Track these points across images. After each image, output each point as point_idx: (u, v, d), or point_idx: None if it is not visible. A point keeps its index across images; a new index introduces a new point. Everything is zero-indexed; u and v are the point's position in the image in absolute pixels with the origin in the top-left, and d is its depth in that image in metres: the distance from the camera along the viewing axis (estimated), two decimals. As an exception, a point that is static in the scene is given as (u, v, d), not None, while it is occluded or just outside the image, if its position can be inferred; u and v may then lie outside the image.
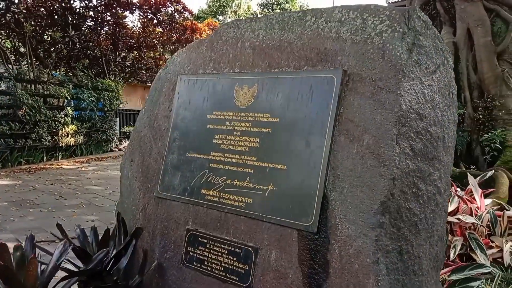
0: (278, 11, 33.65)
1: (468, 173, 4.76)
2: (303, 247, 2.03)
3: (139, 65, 19.24)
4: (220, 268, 2.31)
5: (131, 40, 17.80)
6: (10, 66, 12.94)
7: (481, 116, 6.50)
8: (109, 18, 16.43)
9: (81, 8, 15.16)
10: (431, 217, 2.11)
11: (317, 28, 2.23)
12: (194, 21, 21.19)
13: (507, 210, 4.25)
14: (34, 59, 13.90)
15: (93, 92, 14.84)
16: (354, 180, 1.94)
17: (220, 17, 35.94)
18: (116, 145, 17.05)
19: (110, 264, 2.70)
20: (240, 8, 37.05)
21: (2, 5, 12.48)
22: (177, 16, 18.85)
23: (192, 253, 2.45)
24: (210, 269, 2.35)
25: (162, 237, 2.62)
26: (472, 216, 3.93)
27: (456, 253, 3.72)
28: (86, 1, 15.23)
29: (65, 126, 13.46)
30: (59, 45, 14.89)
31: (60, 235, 5.12)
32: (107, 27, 16.78)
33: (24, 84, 12.17)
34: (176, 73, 2.82)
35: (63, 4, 14.18)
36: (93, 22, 16.10)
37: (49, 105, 12.97)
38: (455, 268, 3.01)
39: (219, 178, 2.40)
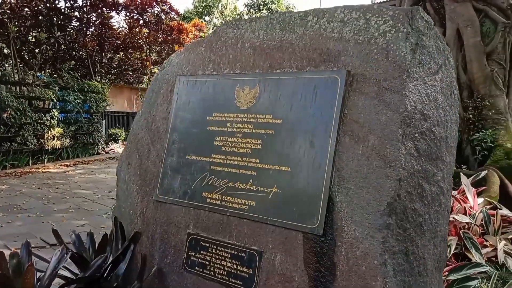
0: (264, 12, 33.72)
1: (461, 172, 4.80)
2: (309, 250, 2.01)
3: (126, 66, 19.09)
4: (223, 272, 2.27)
5: (117, 41, 17.66)
6: (-6, 67, 12.71)
7: (471, 116, 6.57)
8: (95, 18, 16.28)
9: (66, 9, 14.98)
10: (435, 218, 2.11)
11: (319, 28, 2.21)
12: (180, 22, 21.11)
13: (499, 209, 4.30)
14: (19, 61, 13.67)
15: (79, 94, 14.64)
16: (359, 181, 1.93)
17: (207, 18, 35.81)
18: (103, 147, 16.85)
19: (108, 270, 2.65)
20: (226, 8, 36.98)
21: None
22: (163, 17, 18.77)
23: (193, 258, 2.41)
24: (212, 273, 2.32)
25: (162, 242, 2.58)
26: (466, 216, 3.96)
27: (451, 253, 3.74)
28: (71, 2, 15.06)
29: (51, 128, 13.25)
30: (44, 46, 14.68)
31: (50, 241, 5.05)
32: (93, 28, 16.63)
33: (9, 86, 11.93)
34: (174, 74, 2.78)
35: (47, 5, 13.99)
36: (78, 23, 15.93)
37: (35, 107, 12.74)
38: (453, 268, 3.02)
39: (220, 180, 2.36)
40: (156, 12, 18.25)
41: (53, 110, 13.51)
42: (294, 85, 2.21)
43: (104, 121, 17.83)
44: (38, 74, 13.97)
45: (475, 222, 3.98)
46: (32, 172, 11.28)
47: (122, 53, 18.62)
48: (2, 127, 11.48)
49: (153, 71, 20.99)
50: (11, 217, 6.41)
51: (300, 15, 2.33)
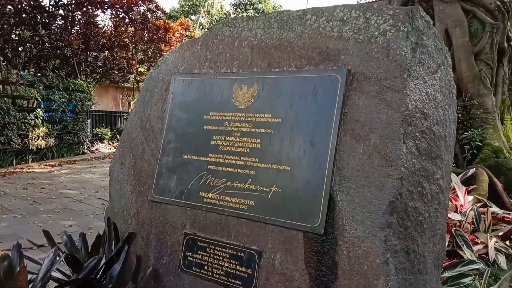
0: (251, 11, 33.69)
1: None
2: (310, 249, 2.00)
3: (111, 65, 18.89)
4: (222, 272, 2.25)
5: (102, 40, 17.46)
6: (-24, 66, 12.44)
7: (459, 115, 6.65)
8: (80, 17, 16.05)
9: (50, 7, 14.72)
10: (434, 216, 2.12)
11: (318, 27, 2.20)
12: (167, 21, 20.97)
13: (489, 207, 4.35)
14: (2, 59, 13.39)
15: (64, 93, 14.41)
16: (361, 180, 1.93)
17: (193, 17, 35.64)
18: (88, 147, 16.64)
19: (102, 271, 2.60)
20: (213, 7, 36.87)
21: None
22: (149, 15, 18.60)
23: (190, 258, 2.38)
24: (210, 274, 2.29)
25: (157, 242, 2.54)
26: (458, 213, 4.00)
27: (443, 250, 3.77)
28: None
29: (36, 128, 13.02)
30: (28, 44, 14.42)
31: (38, 242, 4.96)
32: (78, 26, 16.39)
33: (-8, 85, 11.71)
34: (169, 72, 2.74)
35: (31, 2, 13.73)
36: (63, 21, 15.68)
37: (19, 106, 12.49)
38: (447, 265, 3.05)
39: (218, 180, 2.34)
40: (142, 10, 18.08)
41: (38, 109, 13.27)
42: (293, 84, 2.19)
43: (89, 120, 17.63)
44: (22, 73, 13.70)
45: (466, 219, 4.02)
46: (16, 172, 11.07)
47: (108, 52, 18.41)
48: (-15, 126, 11.26)
49: (139, 70, 20.83)
50: (-4, 218, 6.28)
51: (298, 13, 2.31)
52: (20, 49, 14.46)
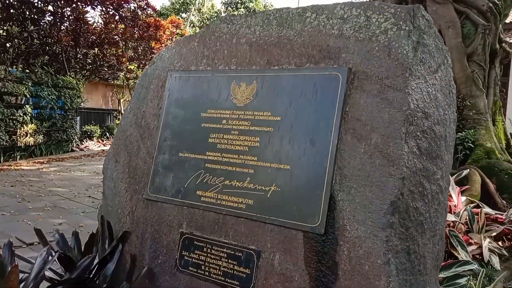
0: (242, 10, 33.63)
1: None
2: (310, 249, 1.97)
3: (101, 62, 18.68)
4: (219, 272, 2.21)
5: (92, 37, 17.27)
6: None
7: (452, 116, 6.67)
8: (69, 13, 15.85)
9: (39, 2, 14.51)
10: (434, 216, 2.11)
11: (318, 25, 2.18)
12: (157, 18, 20.84)
13: (482, 207, 4.37)
14: (-11, 55, 13.21)
15: (53, 90, 14.21)
16: (362, 180, 1.91)
17: (184, 15, 35.45)
18: (77, 144, 16.45)
19: (95, 270, 2.55)
20: (203, 5, 36.71)
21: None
22: (140, 13, 18.45)
23: (187, 258, 2.34)
24: (207, 273, 2.26)
25: (153, 241, 2.50)
26: (452, 214, 4.01)
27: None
28: (44, -5, 14.62)
29: (24, 125, 12.83)
30: (16, 40, 14.19)
31: (27, 240, 4.87)
32: (68, 23, 16.18)
33: (-21, 81, 11.51)
34: (165, 69, 2.69)
35: (20, -3, 13.55)
36: (52, 17, 15.46)
37: (7, 103, 12.28)
38: (443, 266, 3.04)
39: (216, 178, 2.30)
40: (132, 8, 17.92)
41: (26, 106, 13.07)
42: (293, 82, 2.16)
43: (78, 117, 17.43)
44: (10, 69, 13.47)
45: (460, 220, 4.04)
46: (4, 170, 10.90)
47: (98, 49, 18.20)
48: (-28, 123, 11.07)
49: (129, 67, 20.66)
50: (-16, 216, 6.17)
51: (298, 11, 2.29)
52: (8, 44, 14.23)
